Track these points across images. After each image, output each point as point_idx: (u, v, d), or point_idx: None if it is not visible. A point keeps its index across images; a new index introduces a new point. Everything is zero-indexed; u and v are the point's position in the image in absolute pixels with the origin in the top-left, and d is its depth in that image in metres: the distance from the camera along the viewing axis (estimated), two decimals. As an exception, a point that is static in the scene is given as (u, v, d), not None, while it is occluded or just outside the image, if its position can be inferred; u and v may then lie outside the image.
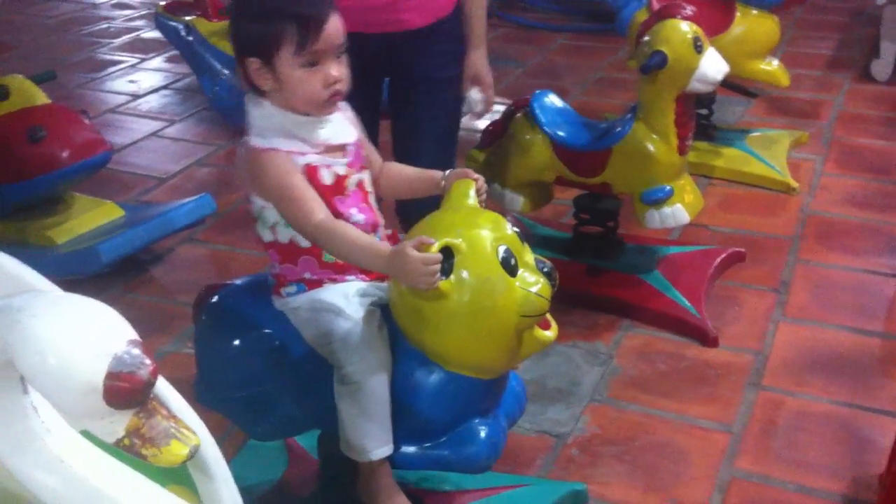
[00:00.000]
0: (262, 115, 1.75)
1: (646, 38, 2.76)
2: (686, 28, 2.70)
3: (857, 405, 2.49)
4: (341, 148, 1.79)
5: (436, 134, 2.51)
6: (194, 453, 0.97)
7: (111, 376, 0.91)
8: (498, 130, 2.99)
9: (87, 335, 0.92)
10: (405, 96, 2.49)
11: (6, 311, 0.94)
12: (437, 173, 1.84)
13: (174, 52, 5.16)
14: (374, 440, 1.75)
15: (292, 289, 1.81)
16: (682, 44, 2.66)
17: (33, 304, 0.94)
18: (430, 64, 2.41)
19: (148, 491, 1.05)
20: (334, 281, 1.81)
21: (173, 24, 4.64)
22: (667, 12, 2.78)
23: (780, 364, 2.66)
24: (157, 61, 5.52)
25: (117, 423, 0.94)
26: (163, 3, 4.86)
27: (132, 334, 0.95)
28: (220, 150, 4.27)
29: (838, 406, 2.48)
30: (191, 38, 4.54)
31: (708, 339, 2.74)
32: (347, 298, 1.76)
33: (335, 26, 1.70)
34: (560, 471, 2.28)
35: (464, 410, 1.79)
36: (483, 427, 1.80)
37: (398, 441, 1.79)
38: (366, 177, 1.85)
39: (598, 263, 3.02)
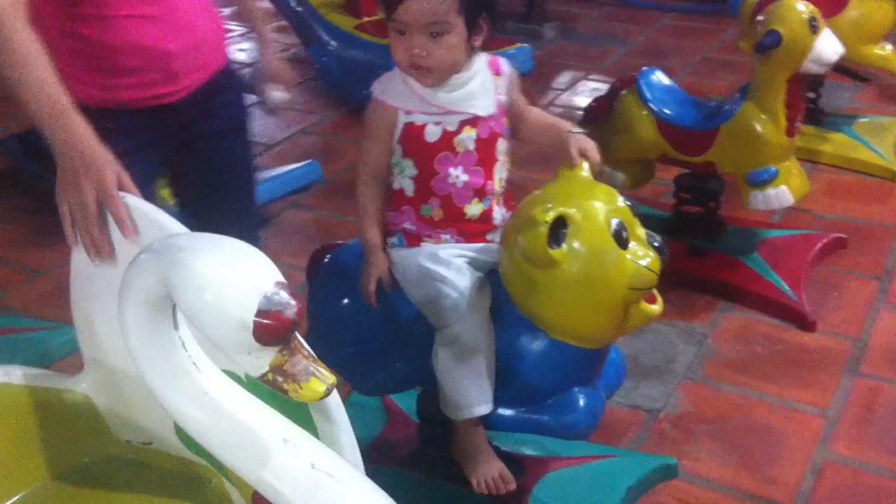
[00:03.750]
0: (395, 69, 1.82)
1: (760, 18, 2.75)
2: (802, 7, 2.68)
3: (961, 397, 2.46)
4: (465, 114, 1.84)
5: (235, 188, 2.17)
6: (331, 391, 1.04)
7: (261, 314, 0.99)
8: (603, 107, 3.00)
9: (241, 275, 1.01)
10: (192, 158, 2.07)
11: (169, 250, 1.03)
12: (565, 128, 1.90)
13: (283, 23, 5.27)
14: (473, 398, 1.81)
15: (395, 239, 1.89)
16: (798, 23, 2.64)
17: (194, 245, 1.03)
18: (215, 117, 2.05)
19: (283, 425, 1.13)
20: (430, 237, 1.87)
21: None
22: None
23: (879, 352, 2.63)
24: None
25: (263, 359, 1.02)
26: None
27: (280, 276, 1.03)
28: (326, 119, 4.37)
29: (941, 397, 2.46)
30: (301, 9, 4.64)
31: (806, 324, 2.73)
32: (451, 264, 1.82)
33: (423, 4, 1.69)
34: (652, 445, 2.32)
35: (566, 378, 1.84)
36: (583, 396, 1.85)
37: (498, 403, 1.85)
38: (496, 142, 1.88)
39: (698, 244, 3.02)
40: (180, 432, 1.40)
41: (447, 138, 1.82)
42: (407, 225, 1.88)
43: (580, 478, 2.09)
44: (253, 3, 2.26)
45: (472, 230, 1.88)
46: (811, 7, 2.70)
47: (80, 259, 1.42)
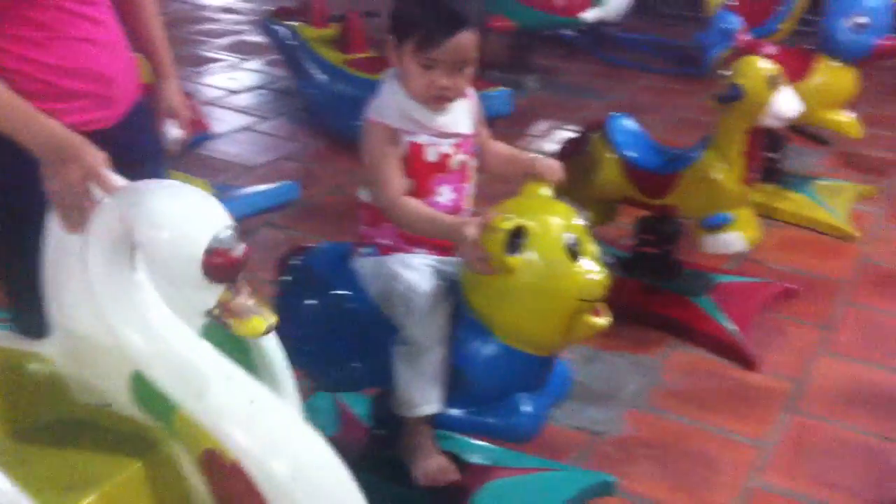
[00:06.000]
0: (389, 93, 1.94)
1: (726, 73, 2.92)
2: (765, 65, 2.85)
3: (886, 436, 2.58)
4: (454, 135, 1.97)
5: None
6: (271, 329, 1.16)
7: (211, 251, 1.11)
8: (573, 148, 3.15)
9: (195, 216, 1.13)
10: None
11: (132, 193, 1.15)
12: (528, 159, 2.02)
13: (274, 56, 5.45)
14: (423, 397, 1.92)
15: (368, 250, 2.00)
16: (760, 79, 2.81)
17: (154, 188, 1.15)
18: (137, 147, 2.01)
19: (227, 365, 1.25)
20: (404, 250, 1.99)
21: (280, 27, 4.91)
22: (749, 50, 2.94)
23: (818, 393, 2.76)
24: (256, 63, 5.83)
25: (211, 295, 1.13)
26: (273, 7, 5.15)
27: (230, 220, 1.15)
28: (309, 147, 4.51)
29: (869, 436, 2.58)
30: (295, 43, 4.80)
31: (750, 363, 2.86)
32: (416, 269, 1.94)
33: (461, 42, 1.82)
34: (594, 464, 2.42)
35: (513, 382, 1.95)
36: (528, 401, 1.96)
37: (448, 404, 1.96)
38: (471, 162, 2.02)
39: (653, 283, 3.15)
40: (136, 395, 1.51)
41: (443, 158, 1.95)
42: (383, 240, 1.99)
43: (521, 487, 2.19)
44: (156, 32, 2.08)
45: (446, 244, 1.98)
46: (774, 66, 2.87)
47: (53, 232, 1.52)
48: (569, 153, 3.15)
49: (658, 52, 6.24)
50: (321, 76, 4.62)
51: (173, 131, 2.07)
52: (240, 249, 1.13)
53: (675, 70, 5.94)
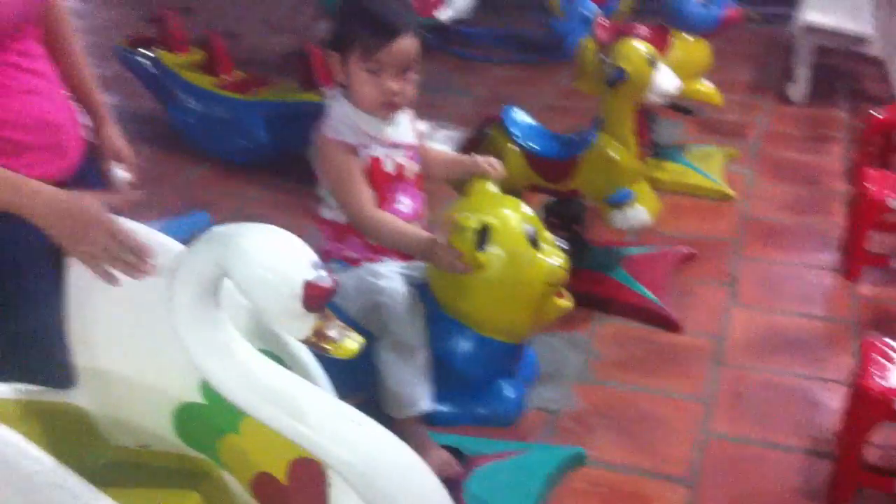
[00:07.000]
0: (339, 111, 1.99)
1: (605, 58, 3.08)
2: (642, 47, 3.03)
3: (809, 376, 2.82)
4: (404, 145, 2.05)
5: None
6: (363, 349, 1.22)
7: (308, 285, 1.16)
8: (472, 144, 3.26)
9: (288, 254, 1.18)
10: None
11: (223, 237, 1.19)
12: (469, 160, 2.11)
13: (126, 86, 5.30)
14: (416, 395, 2.00)
15: (335, 265, 2.05)
16: (640, 60, 2.98)
17: (243, 231, 1.19)
18: None
19: (310, 388, 1.29)
20: (371, 261, 2.05)
21: (138, 57, 4.80)
22: (624, 34, 3.12)
23: (738, 344, 2.98)
24: (111, 96, 5.67)
25: (306, 324, 1.19)
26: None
27: (315, 255, 1.21)
28: (192, 175, 4.46)
29: (793, 377, 2.81)
30: (157, 72, 4.71)
31: (673, 326, 3.05)
32: (390, 277, 2.01)
33: (403, 45, 1.93)
34: (559, 440, 2.54)
35: (494, 370, 2.06)
36: (510, 387, 2.07)
37: (436, 400, 2.04)
38: (419, 170, 2.10)
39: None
40: (179, 429, 1.52)
41: (399, 169, 2.02)
42: (350, 253, 2.04)
43: (504, 471, 2.28)
44: (87, 77, 2.03)
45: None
46: (650, 46, 3.06)
47: (77, 277, 1.52)
48: (468, 151, 3.26)
49: (506, 44, 6.44)
50: (193, 102, 4.56)
51: (121, 174, 2.02)
52: (329, 280, 1.19)
53: (527, 58, 6.15)
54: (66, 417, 1.53)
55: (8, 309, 1.73)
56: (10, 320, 1.73)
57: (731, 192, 4.01)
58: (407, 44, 1.94)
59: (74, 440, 1.52)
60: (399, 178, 2.03)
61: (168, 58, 4.71)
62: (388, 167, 2.02)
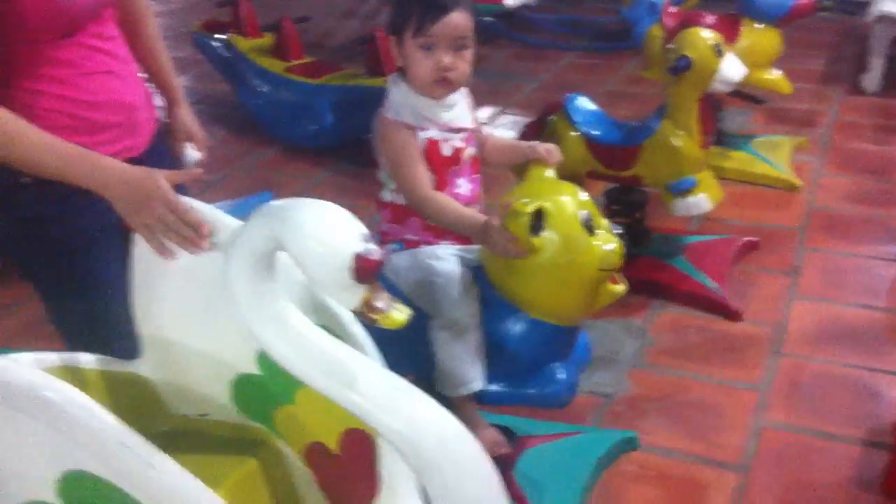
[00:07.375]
0: (399, 94, 2.04)
1: (671, 46, 3.08)
2: (708, 35, 3.02)
3: (869, 367, 2.79)
4: (461, 129, 2.09)
5: None
6: (410, 320, 1.27)
7: (358, 258, 1.21)
8: (534, 131, 3.29)
9: (339, 227, 1.24)
10: None
11: (279, 211, 1.25)
12: (526, 146, 2.14)
13: (201, 69, 5.44)
14: (469, 375, 2.04)
15: (394, 246, 2.10)
16: (705, 48, 2.97)
17: (298, 206, 1.25)
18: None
19: (360, 357, 1.35)
20: (430, 243, 2.10)
21: (213, 41, 4.93)
22: (690, 22, 3.10)
23: (797, 335, 2.96)
24: (186, 79, 5.81)
25: (356, 295, 1.24)
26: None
27: (365, 229, 1.26)
28: (261, 157, 4.55)
29: (852, 369, 2.79)
30: (230, 55, 4.83)
31: (732, 315, 3.05)
32: (447, 259, 2.05)
33: (457, 19, 1.96)
34: (610, 424, 2.57)
35: (546, 353, 2.08)
36: (562, 369, 2.10)
37: (488, 381, 2.08)
38: (476, 154, 2.14)
39: (629, 250, 3.30)
40: (237, 399, 1.59)
41: (457, 152, 2.06)
42: (409, 235, 2.09)
43: (555, 452, 2.32)
44: (162, 59, 2.12)
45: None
46: (716, 34, 3.04)
47: (139, 250, 1.60)
48: (529, 137, 3.29)
49: (573, 30, 6.43)
50: (263, 86, 4.66)
51: (192, 154, 2.10)
52: (379, 253, 1.24)
53: (596, 46, 6.13)
54: (132, 386, 1.61)
55: (79, 283, 1.82)
56: (82, 293, 1.82)
57: (797, 181, 3.97)
58: (459, 18, 1.96)
59: (138, 408, 1.58)
60: (456, 161, 2.07)
61: (240, 42, 4.82)
62: (445, 151, 2.05)
